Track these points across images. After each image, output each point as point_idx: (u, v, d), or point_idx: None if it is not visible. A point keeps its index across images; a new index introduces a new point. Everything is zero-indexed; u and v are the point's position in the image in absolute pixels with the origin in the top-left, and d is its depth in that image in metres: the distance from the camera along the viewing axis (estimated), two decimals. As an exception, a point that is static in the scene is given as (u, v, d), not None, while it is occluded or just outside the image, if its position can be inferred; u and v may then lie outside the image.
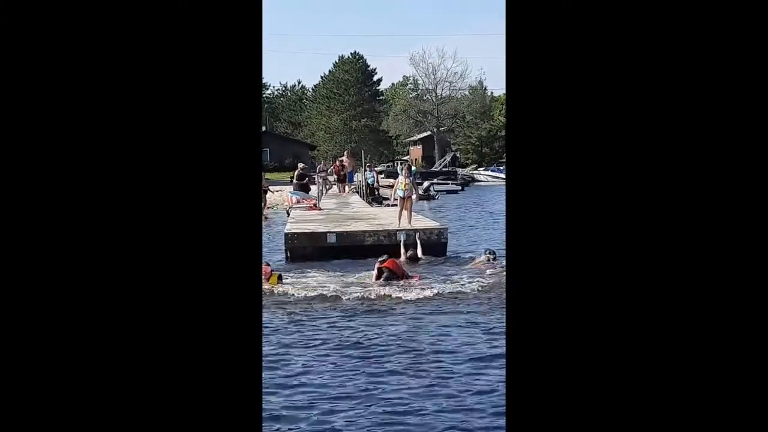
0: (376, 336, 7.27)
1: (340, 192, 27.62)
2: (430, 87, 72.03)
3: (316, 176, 26.71)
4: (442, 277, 10.66)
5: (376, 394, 5.47)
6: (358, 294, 9.44)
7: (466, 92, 72.80)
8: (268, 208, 24.23)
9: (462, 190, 44.43)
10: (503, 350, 6.47)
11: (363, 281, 10.47)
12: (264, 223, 18.58)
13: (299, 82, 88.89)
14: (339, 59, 73.19)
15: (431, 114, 70.14)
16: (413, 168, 17.93)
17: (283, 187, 28.55)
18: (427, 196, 33.30)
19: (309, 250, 13.13)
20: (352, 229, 13.83)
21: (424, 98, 73.21)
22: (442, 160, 62.38)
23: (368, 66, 72.87)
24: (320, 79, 76.94)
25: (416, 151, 71.13)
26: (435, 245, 13.20)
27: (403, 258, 12.34)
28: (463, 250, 14.29)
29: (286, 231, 13.95)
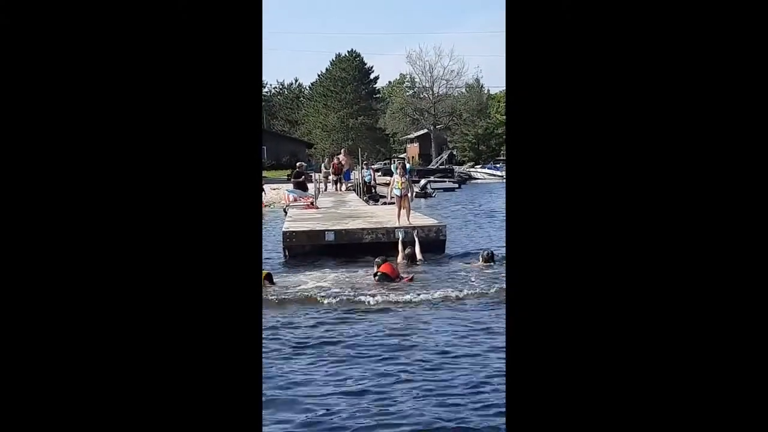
0: (363, 336, 7.25)
1: (336, 190, 27.59)
2: (427, 85, 72.01)
3: (318, 174, 26.70)
4: (436, 281, 10.58)
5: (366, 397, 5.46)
6: (349, 296, 9.39)
7: (463, 90, 72.78)
8: (264, 206, 24.21)
9: (459, 188, 44.43)
10: (495, 350, 6.50)
11: (356, 282, 10.42)
12: (260, 222, 18.44)
13: (296, 80, 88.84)
14: (336, 57, 73.15)
15: (428, 112, 70.13)
16: (409, 165, 17.91)
17: (280, 185, 28.53)
18: (423, 194, 33.30)
19: (307, 248, 13.13)
20: (351, 227, 13.83)
21: (421, 96, 73.18)
22: (439, 157, 62.37)
23: (365, 64, 72.84)
24: (317, 77, 76.89)
25: (413, 149, 71.13)
26: (433, 242, 13.21)
27: (401, 256, 12.33)
28: (461, 248, 14.30)
29: (284, 229, 13.95)
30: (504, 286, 9.17)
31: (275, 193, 27.52)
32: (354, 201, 23.39)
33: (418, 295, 9.33)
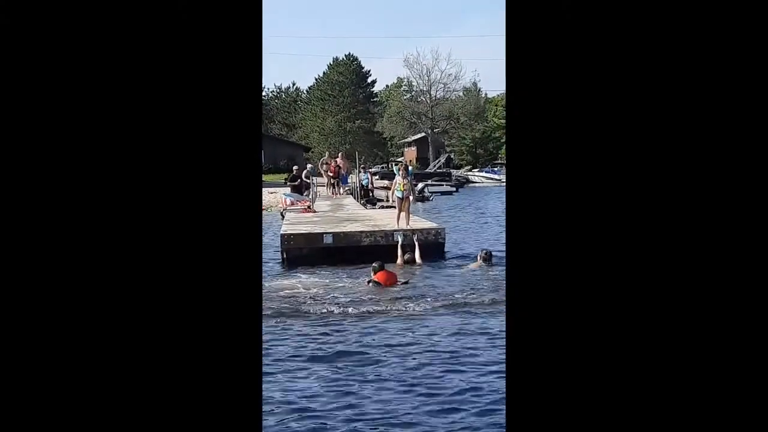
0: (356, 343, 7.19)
1: (332, 194, 27.51)
2: (425, 88, 72.04)
3: (321, 170, 26.58)
4: (431, 285, 10.51)
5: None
6: (344, 301, 9.26)
7: (461, 94, 72.82)
8: (262, 209, 24.09)
9: (456, 191, 44.43)
10: (494, 354, 6.48)
11: (350, 288, 10.28)
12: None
13: (293, 84, 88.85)
14: (333, 61, 73.22)
15: (425, 115, 70.15)
16: (410, 168, 17.79)
17: (278, 189, 28.50)
18: (421, 198, 33.31)
19: (305, 251, 13.11)
20: (349, 230, 13.82)
21: (419, 100, 73.20)
22: (437, 161, 62.37)
23: (362, 68, 72.91)
24: (314, 81, 76.94)
25: (411, 153, 71.14)
26: (433, 246, 13.20)
27: (400, 260, 12.31)
28: (460, 251, 14.29)
29: (282, 232, 13.94)
30: (500, 289, 9.23)
31: (272, 196, 27.50)
32: (351, 204, 23.39)
33: (418, 302, 9.19)
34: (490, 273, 11.23)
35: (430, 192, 38.10)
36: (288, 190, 25.07)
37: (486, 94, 76.37)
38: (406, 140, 74.10)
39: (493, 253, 12.17)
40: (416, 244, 12.74)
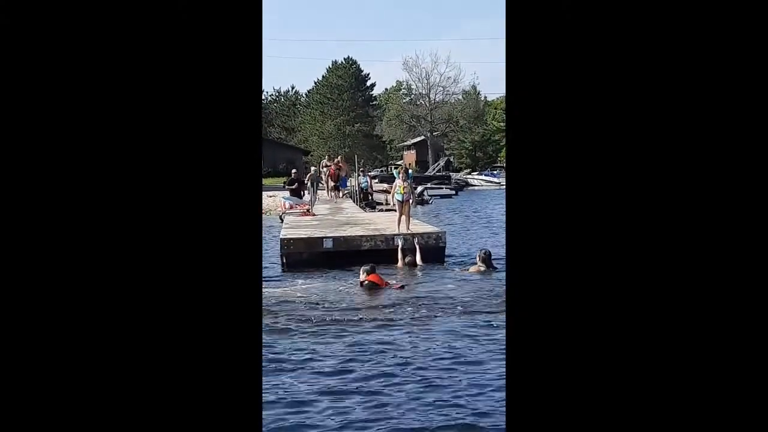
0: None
1: (330, 198, 27.47)
2: (424, 92, 72.16)
3: (320, 172, 26.53)
4: (427, 289, 10.44)
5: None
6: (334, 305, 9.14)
7: (460, 97, 72.94)
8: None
9: (456, 194, 44.47)
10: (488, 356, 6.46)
11: (344, 292, 10.12)
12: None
13: (293, 88, 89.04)
14: (332, 64, 73.39)
15: (425, 119, 70.25)
16: (410, 171, 17.70)
17: (276, 193, 28.50)
18: (420, 201, 33.32)
19: (305, 255, 13.09)
20: (349, 234, 13.80)
21: (418, 103, 73.31)
22: (436, 164, 62.44)
23: (361, 71, 73.07)
24: (314, 85, 77.09)
25: (410, 156, 71.18)
26: (433, 249, 13.18)
27: (401, 264, 12.29)
28: (460, 254, 14.28)
29: (281, 237, 13.90)
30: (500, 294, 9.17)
31: (271, 200, 27.48)
32: (351, 208, 23.39)
33: (417, 307, 9.08)
34: (489, 278, 11.17)
35: (429, 195, 38.14)
36: (287, 193, 25.05)
37: (485, 97, 76.57)
38: (405, 143, 74.16)
39: (493, 256, 12.14)
40: (417, 247, 12.73)
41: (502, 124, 70.32)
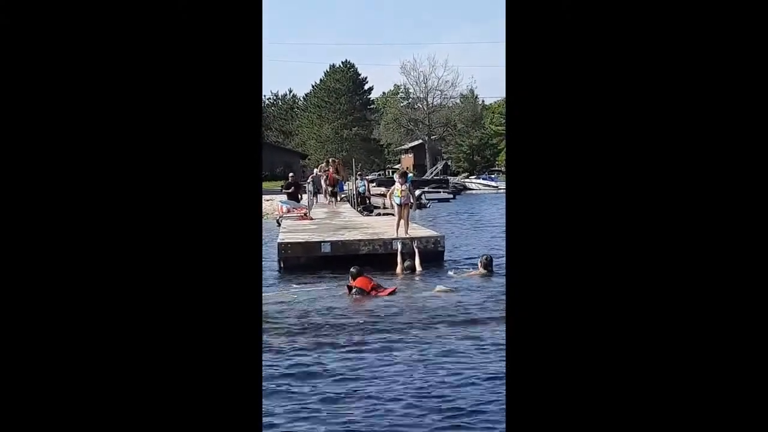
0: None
1: (329, 202, 27.48)
2: (422, 95, 72.47)
3: (317, 174, 26.56)
4: (423, 292, 10.35)
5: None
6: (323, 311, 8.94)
7: (457, 100, 73.24)
8: (259, 217, 24.04)
9: (453, 198, 44.64)
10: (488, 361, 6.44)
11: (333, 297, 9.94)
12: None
13: (290, 91, 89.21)
14: (330, 68, 73.58)
15: (422, 122, 70.54)
16: (409, 175, 17.62)
17: (274, 196, 28.53)
18: (418, 205, 33.41)
19: (303, 260, 13.06)
20: (347, 239, 13.77)
21: (416, 107, 73.65)
22: (434, 168, 62.67)
23: (359, 74, 73.27)
24: (311, 88, 77.29)
25: (408, 160, 71.45)
26: (432, 254, 13.16)
27: (400, 268, 12.24)
28: (458, 258, 14.25)
29: (279, 241, 13.87)
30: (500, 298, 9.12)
31: (268, 204, 27.49)
32: (348, 212, 23.40)
33: (408, 314, 8.92)
34: (490, 282, 11.12)
35: (427, 199, 38.27)
36: (284, 197, 25.05)
37: (483, 101, 76.91)
38: (403, 147, 74.47)
39: (494, 260, 12.11)
40: (416, 251, 12.68)
41: (499, 127, 70.70)
